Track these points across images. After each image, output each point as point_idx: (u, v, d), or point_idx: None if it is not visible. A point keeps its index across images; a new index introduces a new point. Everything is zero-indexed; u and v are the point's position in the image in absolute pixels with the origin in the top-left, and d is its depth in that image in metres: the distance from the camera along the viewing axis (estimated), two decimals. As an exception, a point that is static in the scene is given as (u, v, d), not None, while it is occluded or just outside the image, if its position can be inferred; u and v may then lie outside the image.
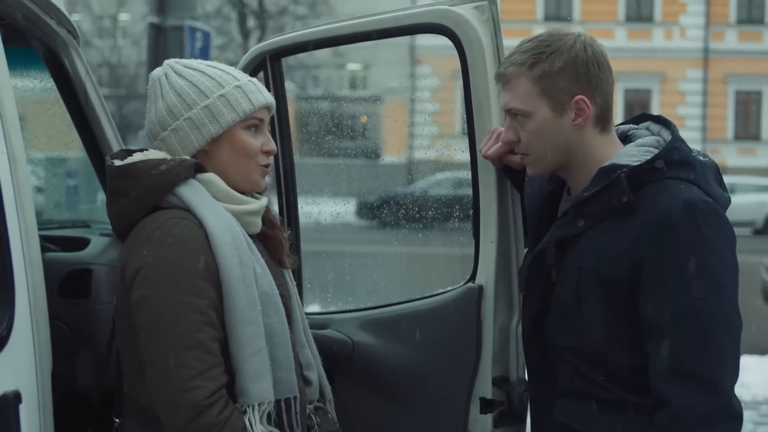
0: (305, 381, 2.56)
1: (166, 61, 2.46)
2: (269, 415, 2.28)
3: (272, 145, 2.46)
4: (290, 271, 2.63)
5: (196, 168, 2.36)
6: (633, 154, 2.36)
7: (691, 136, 32.34)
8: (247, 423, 2.22)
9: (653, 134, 2.45)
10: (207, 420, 2.16)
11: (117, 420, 2.46)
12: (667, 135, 2.42)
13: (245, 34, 31.99)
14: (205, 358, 2.19)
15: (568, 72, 2.34)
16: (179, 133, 2.37)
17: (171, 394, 2.18)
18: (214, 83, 2.38)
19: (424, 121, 29.49)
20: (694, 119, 34.99)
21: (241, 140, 2.39)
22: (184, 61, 2.45)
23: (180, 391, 2.17)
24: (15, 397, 2.10)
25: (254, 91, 2.41)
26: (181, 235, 2.24)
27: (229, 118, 2.37)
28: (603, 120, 2.40)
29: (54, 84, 3.26)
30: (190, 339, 2.18)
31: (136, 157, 2.37)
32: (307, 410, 2.53)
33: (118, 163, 2.36)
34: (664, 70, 35.52)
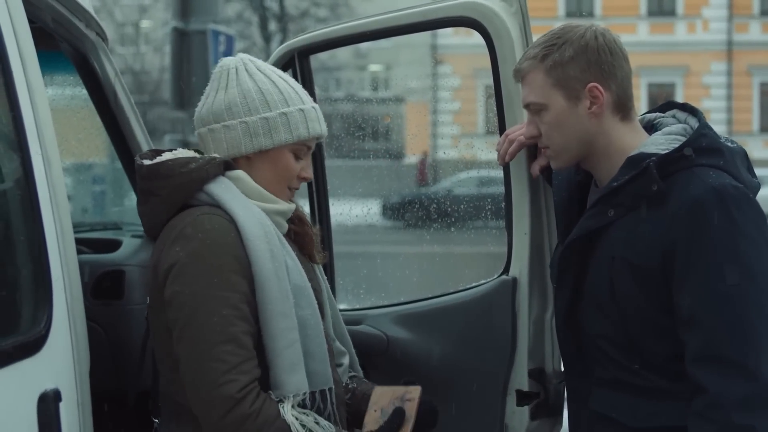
0: (336, 365, 2.57)
1: (240, 55, 2.46)
2: (305, 408, 2.29)
3: (310, 173, 2.48)
4: (321, 267, 2.64)
5: (225, 165, 2.37)
6: (660, 143, 2.36)
7: (716, 130, 31.99)
8: (281, 409, 2.23)
9: (680, 122, 2.44)
10: (241, 411, 2.17)
11: (156, 420, 2.47)
12: (694, 122, 2.41)
13: (267, 37, 32.11)
14: (239, 352, 2.20)
15: (579, 60, 2.35)
16: (231, 132, 2.37)
17: (205, 389, 2.19)
18: (281, 98, 2.39)
19: (446, 120, 29.47)
20: (719, 112, 34.77)
21: (285, 161, 2.41)
22: (258, 61, 2.46)
23: (214, 385, 2.18)
24: (55, 396, 2.11)
25: (314, 120, 2.42)
26: (213, 230, 2.25)
27: (283, 138, 2.38)
28: (622, 108, 2.39)
29: (83, 87, 3.28)
30: (223, 333, 2.19)
31: (166, 156, 2.39)
32: (345, 401, 2.53)
33: (147, 162, 2.37)
34: (687, 63, 35.33)
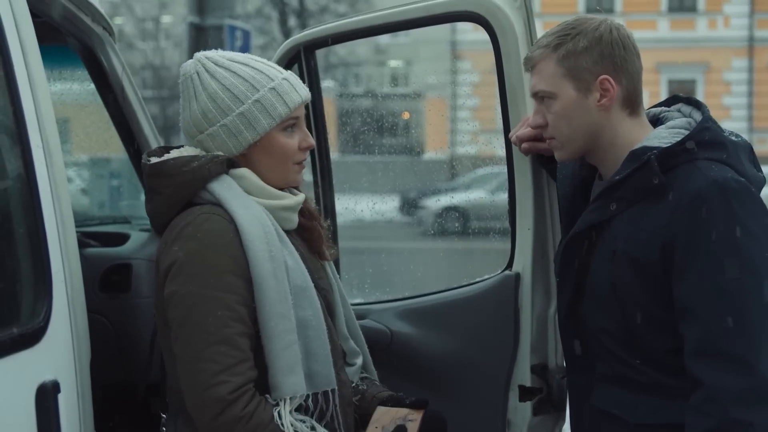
0: (348, 365, 2.56)
1: (197, 56, 2.41)
2: (307, 409, 2.28)
3: (310, 141, 2.44)
4: (332, 264, 2.62)
5: (229, 163, 2.36)
6: (664, 136, 2.35)
7: (737, 126, 31.92)
8: (276, 415, 2.22)
9: (684, 116, 2.44)
10: (232, 414, 2.16)
11: (164, 415, 2.48)
12: (698, 116, 2.40)
13: (286, 33, 32.08)
14: (233, 354, 2.19)
15: (593, 52, 2.34)
16: (216, 138, 2.36)
17: (197, 389, 2.19)
18: (248, 86, 2.35)
19: (465, 116, 29.43)
20: (740, 109, 34.57)
21: (278, 143, 2.38)
22: (215, 56, 2.40)
23: (206, 386, 2.17)
24: (54, 387, 2.13)
25: (289, 91, 2.37)
26: (212, 230, 2.24)
27: (265, 124, 2.35)
28: (631, 103, 2.38)
29: (91, 81, 3.30)
30: (217, 334, 2.18)
31: (172, 154, 2.39)
32: (353, 402, 2.52)
33: (153, 160, 2.37)
34: (708, 59, 35.12)
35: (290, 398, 2.24)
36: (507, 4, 2.82)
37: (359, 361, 2.62)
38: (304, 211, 2.50)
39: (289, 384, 2.24)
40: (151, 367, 3.21)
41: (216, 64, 2.37)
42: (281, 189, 2.44)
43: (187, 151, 2.40)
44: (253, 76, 2.36)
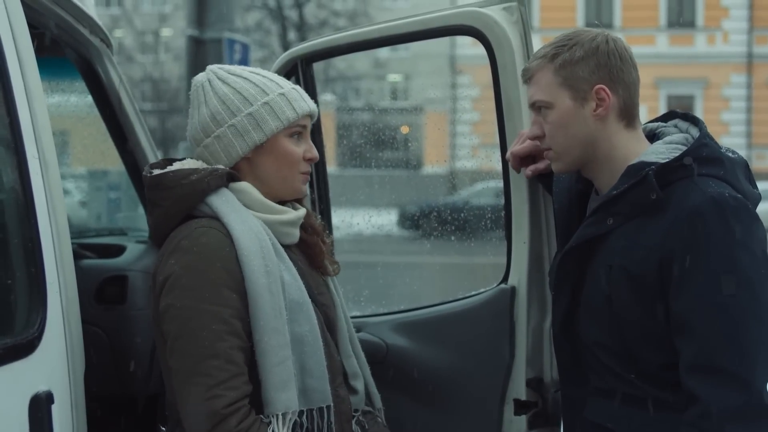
0: (351, 390, 2.55)
1: (209, 67, 2.46)
2: (301, 426, 2.27)
3: (314, 153, 2.45)
4: (335, 279, 2.61)
5: (230, 177, 2.36)
6: (661, 152, 2.35)
7: (735, 142, 31.96)
8: None
9: (681, 131, 2.44)
10: (226, 429, 2.15)
11: (163, 428, 2.47)
12: (695, 132, 2.41)
13: (286, 46, 32.16)
14: (227, 368, 2.18)
15: (589, 61, 2.35)
16: (223, 140, 2.37)
17: (192, 403, 2.18)
18: (258, 90, 2.38)
19: (464, 130, 29.45)
20: (739, 125, 34.60)
21: (284, 148, 2.39)
22: (227, 67, 2.46)
23: (200, 399, 2.17)
24: (47, 398, 2.12)
25: (297, 99, 2.41)
26: (208, 244, 2.24)
27: (272, 126, 2.37)
28: (627, 115, 2.39)
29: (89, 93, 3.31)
30: (212, 348, 2.18)
31: (174, 166, 2.39)
32: (352, 419, 2.51)
33: (155, 172, 2.37)
34: (707, 75, 35.17)
35: (283, 415, 2.23)
36: (503, 18, 2.83)
37: (361, 387, 2.60)
38: (305, 226, 2.50)
39: (282, 400, 2.23)
40: (151, 379, 3.21)
41: (228, 72, 2.43)
42: (284, 203, 2.44)
43: (189, 164, 2.40)
44: (263, 82, 2.41)
